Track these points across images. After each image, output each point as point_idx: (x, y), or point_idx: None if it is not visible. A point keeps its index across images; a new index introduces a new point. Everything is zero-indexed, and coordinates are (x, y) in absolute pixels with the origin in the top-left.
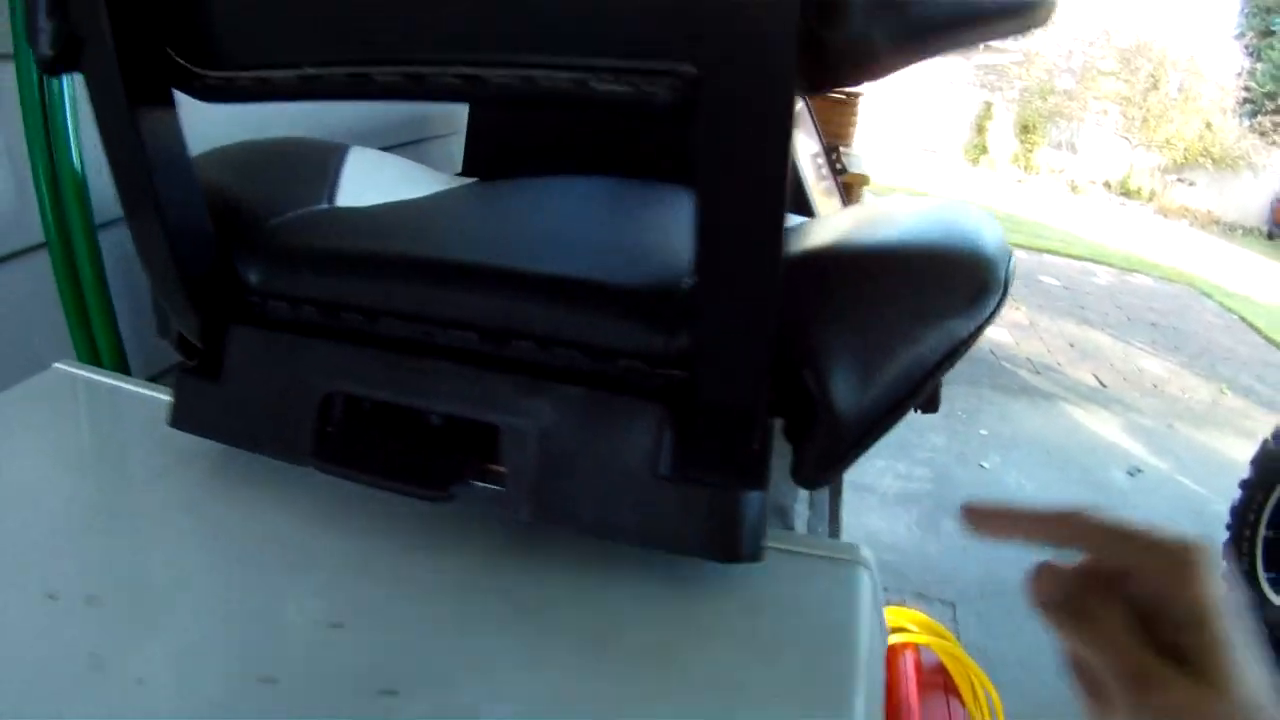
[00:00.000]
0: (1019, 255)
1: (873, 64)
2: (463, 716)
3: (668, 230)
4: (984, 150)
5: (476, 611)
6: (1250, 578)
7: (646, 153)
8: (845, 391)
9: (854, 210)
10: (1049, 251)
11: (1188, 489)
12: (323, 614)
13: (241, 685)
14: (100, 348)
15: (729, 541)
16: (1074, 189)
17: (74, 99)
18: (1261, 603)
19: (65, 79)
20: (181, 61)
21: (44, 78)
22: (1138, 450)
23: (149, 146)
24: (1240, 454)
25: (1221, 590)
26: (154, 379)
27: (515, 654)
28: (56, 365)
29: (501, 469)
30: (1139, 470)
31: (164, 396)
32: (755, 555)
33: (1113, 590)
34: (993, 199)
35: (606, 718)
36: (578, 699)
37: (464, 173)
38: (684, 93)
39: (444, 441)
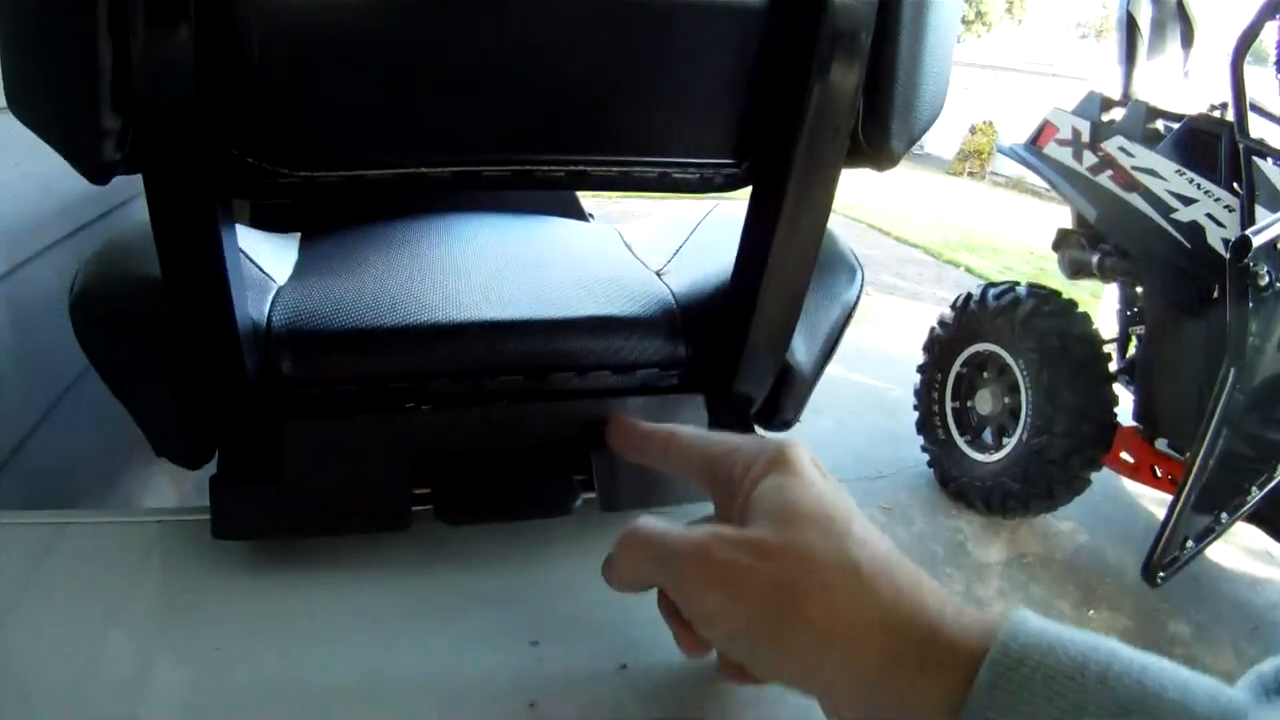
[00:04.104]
0: None
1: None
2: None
3: (602, 261)
4: None
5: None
6: (948, 445)
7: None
8: (804, 359)
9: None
10: None
11: (865, 385)
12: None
13: None
14: None
15: None
16: None
17: None
18: (963, 459)
19: None
20: (252, 160)
21: None
22: None
23: (226, 250)
24: (898, 345)
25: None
26: None
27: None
28: None
29: (582, 476)
30: None
31: (73, 522)
32: None
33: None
34: None
35: None
36: None
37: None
38: (739, 180)
39: (526, 469)
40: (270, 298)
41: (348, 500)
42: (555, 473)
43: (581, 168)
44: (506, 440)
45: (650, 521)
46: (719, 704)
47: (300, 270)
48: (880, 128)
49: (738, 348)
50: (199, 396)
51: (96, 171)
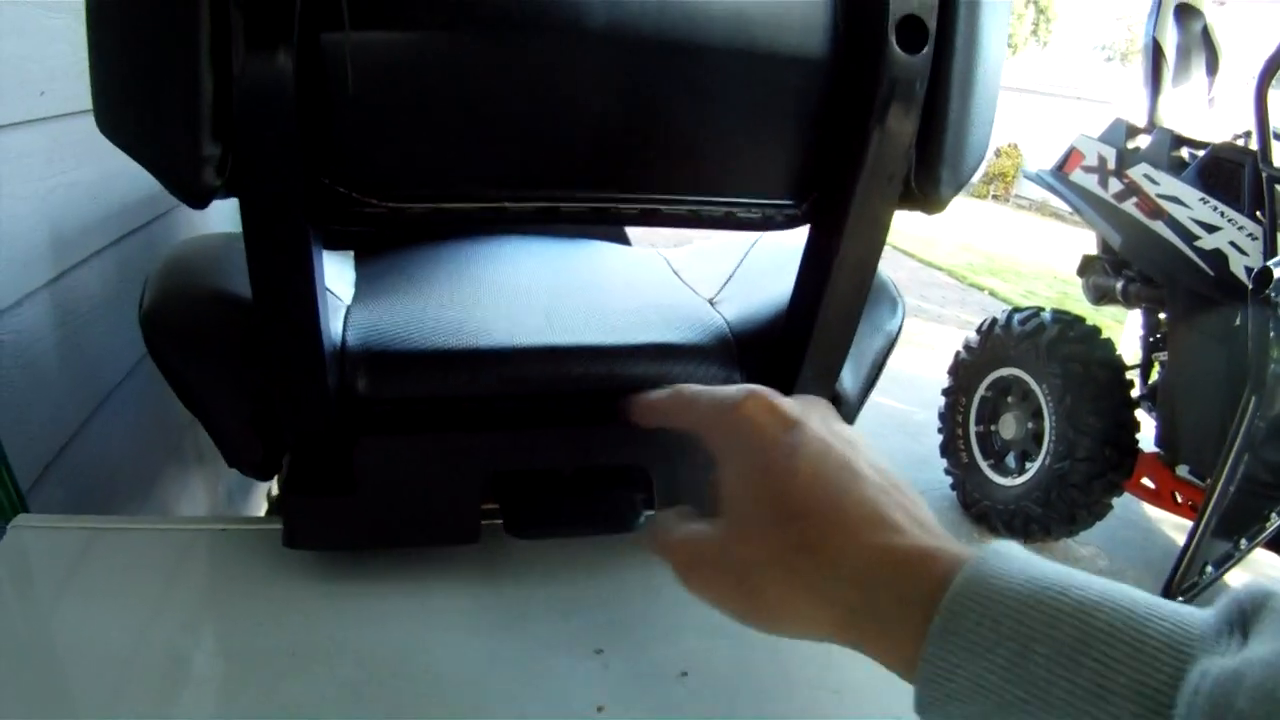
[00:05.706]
0: None
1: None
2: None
3: (654, 287)
4: None
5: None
6: (971, 468)
7: None
8: (851, 387)
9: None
10: None
11: (888, 408)
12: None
13: None
14: None
15: None
16: None
17: None
18: (985, 483)
19: None
20: (343, 189)
21: None
22: None
23: (315, 273)
24: (921, 368)
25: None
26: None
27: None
28: (15, 523)
29: (643, 495)
30: None
31: (159, 528)
32: None
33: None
34: None
35: None
36: None
37: None
38: (798, 219)
39: (590, 487)
40: (341, 317)
41: (419, 514)
42: (618, 491)
43: (655, 205)
44: (571, 459)
45: (655, 530)
46: (780, 707)
47: (364, 291)
48: (931, 175)
49: (791, 377)
50: (278, 411)
51: (196, 196)
